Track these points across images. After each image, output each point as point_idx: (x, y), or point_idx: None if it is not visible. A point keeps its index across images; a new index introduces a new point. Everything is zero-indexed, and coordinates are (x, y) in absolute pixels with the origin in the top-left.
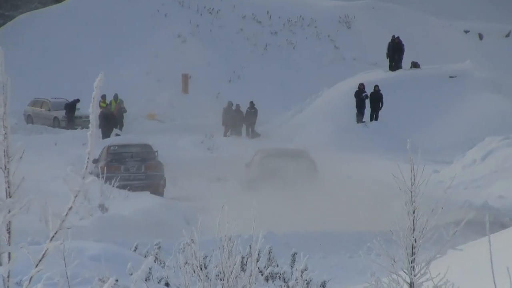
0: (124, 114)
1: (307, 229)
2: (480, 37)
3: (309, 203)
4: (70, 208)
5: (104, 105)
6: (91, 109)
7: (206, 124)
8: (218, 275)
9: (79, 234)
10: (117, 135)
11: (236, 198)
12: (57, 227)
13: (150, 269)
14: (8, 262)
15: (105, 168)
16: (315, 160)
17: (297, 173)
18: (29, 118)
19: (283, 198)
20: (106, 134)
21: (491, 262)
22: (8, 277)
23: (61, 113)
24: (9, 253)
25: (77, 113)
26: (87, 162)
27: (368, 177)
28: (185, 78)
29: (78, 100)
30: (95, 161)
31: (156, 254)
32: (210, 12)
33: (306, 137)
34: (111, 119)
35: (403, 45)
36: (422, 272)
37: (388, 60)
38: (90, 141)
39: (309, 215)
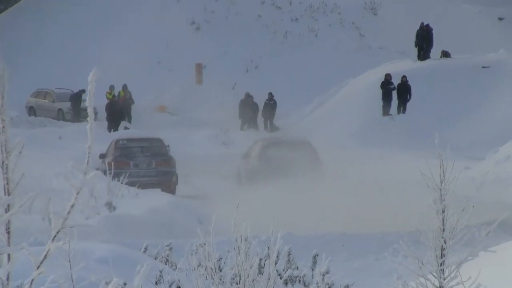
0: (132, 106)
1: (326, 228)
2: None
3: (327, 202)
4: (72, 206)
5: (110, 96)
6: (88, 103)
7: (221, 117)
8: (233, 279)
9: (85, 235)
10: (125, 128)
11: (252, 196)
12: (59, 226)
13: (160, 271)
14: (8, 264)
15: (112, 163)
16: (317, 149)
17: (299, 164)
18: (32, 110)
19: (290, 193)
20: (113, 126)
21: None
22: (7, 279)
23: (66, 105)
24: (9, 255)
25: (83, 104)
26: (88, 156)
27: (394, 174)
28: (199, 68)
29: (83, 91)
30: (102, 156)
31: (167, 256)
32: None
33: (328, 131)
34: (118, 110)
35: (432, 33)
36: (452, 275)
37: (416, 49)
38: (90, 135)
39: (325, 214)
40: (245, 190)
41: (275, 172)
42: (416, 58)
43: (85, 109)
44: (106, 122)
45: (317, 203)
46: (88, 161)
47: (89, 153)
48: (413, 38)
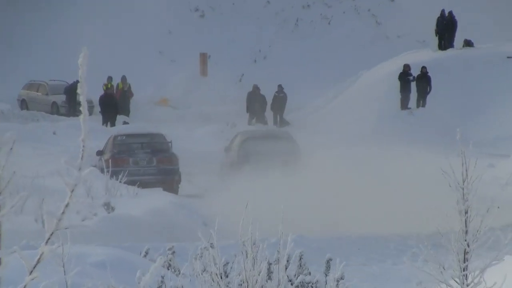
0: (131, 99)
1: (339, 230)
2: None
3: (340, 202)
4: (67, 206)
5: (105, 88)
6: (79, 91)
7: (227, 111)
8: (240, 285)
9: (81, 237)
10: (125, 123)
11: (262, 195)
12: (53, 228)
13: (162, 277)
14: None
15: (110, 161)
16: (298, 141)
17: (280, 156)
18: (24, 104)
19: (287, 190)
20: (108, 120)
21: None
22: None
23: (61, 98)
24: (0, 259)
25: (79, 97)
26: (83, 151)
27: (413, 172)
28: (203, 58)
29: (78, 82)
30: (100, 153)
31: (170, 260)
32: None
33: (342, 125)
34: (112, 103)
35: (455, 21)
36: (475, 281)
37: (437, 38)
38: (83, 127)
39: (338, 215)
40: (227, 184)
41: (255, 165)
42: (437, 47)
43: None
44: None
45: (329, 203)
46: (82, 156)
47: (83, 146)
48: (433, 26)
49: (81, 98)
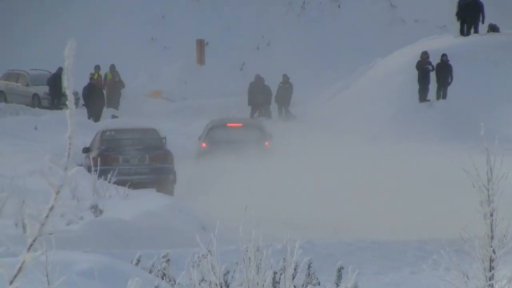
0: (122, 91)
1: (351, 237)
2: None
3: (354, 205)
4: (51, 208)
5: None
6: (65, 83)
7: (226, 104)
8: None
9: (66, 243)
10: (114, 117)
11: (259, 197)
12: (36, 233)
13: (156, 287)
14: None
15: (98, 159)
16: (268, 130)
17: (246, 145)
18: (2, 96)
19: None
20: (94, 114)
21: None
22: None
23: (43, 89)
24: None
25: (64, 88)
26: (69, 148)
27: (433, 171)
28: (200, 45)
29: (62, 69)
30: (86, 150)
31: (164, 269)
32: None
33: (354, 119)
34: (98, 94)
35: (481, 3)
36: None
37: (459, 22)
38: (70, 123)
39: (351, 219)
40: (198, 173)
41: (220, 154)
42: (458, 33)
43: (65, 94)
44: (86, 109)
45: (339, 205)
46: (69, 154)
47: (70, 144)
48: (454, 9)
49: (67, 92)
